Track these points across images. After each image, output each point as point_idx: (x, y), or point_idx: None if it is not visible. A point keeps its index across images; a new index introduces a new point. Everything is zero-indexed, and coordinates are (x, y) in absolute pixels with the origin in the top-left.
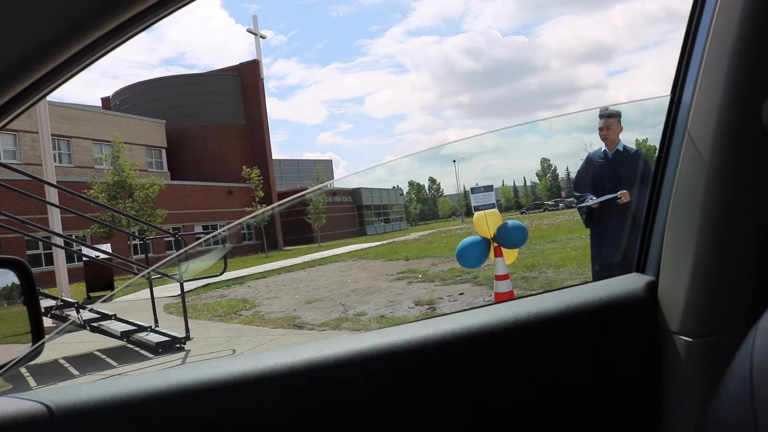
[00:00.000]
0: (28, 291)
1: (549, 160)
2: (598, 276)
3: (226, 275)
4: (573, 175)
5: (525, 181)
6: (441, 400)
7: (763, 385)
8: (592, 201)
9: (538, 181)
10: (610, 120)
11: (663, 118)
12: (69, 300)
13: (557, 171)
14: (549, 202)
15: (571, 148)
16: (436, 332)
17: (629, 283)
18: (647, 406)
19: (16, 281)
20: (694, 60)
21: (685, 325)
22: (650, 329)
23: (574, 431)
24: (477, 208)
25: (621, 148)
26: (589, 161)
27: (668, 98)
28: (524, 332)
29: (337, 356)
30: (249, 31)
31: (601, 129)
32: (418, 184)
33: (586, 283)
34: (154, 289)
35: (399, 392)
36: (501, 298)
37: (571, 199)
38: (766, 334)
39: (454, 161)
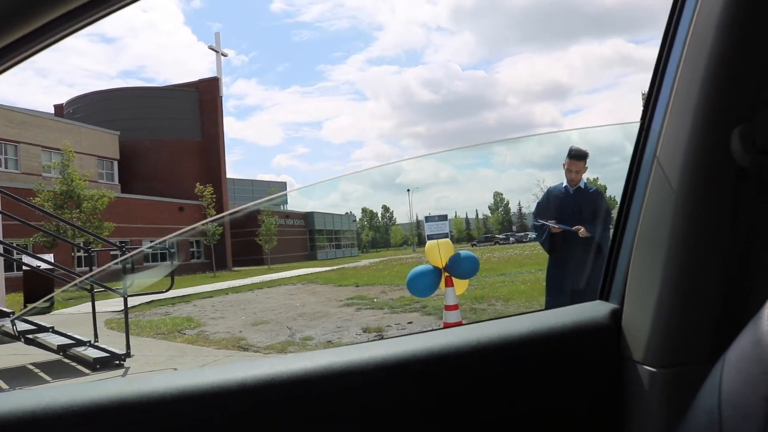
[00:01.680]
0: None
1: (502, 194)
2: (550, 306)
3: (172, 292)
4: (525, 210)
5: (477, 213)
6: (396, 424)
7: (732, 417)
8: (553, 223)
9: (490, 215)
10: (580, 163)
11: (612, 159)
12: (4, 309)
13: (509, 205)
14: (500, 236)
15: (524, 184)
16: (392, 353)
17: (593, 310)
18: None
19: None
20: (665, 87)
21: (650, 354)
22: (614, 357)
23: None
24: (430, 237)
25: (582, 186)
26: (550, 195)
27: (636, 125)
28: (485, 356)
29: (291, 373)
30: (211, 48)
31: (570, 170)
32: (371, 211)
33: (549, 309)
34: (96, 302)
35: (353, 413)
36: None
37: (522, 233)
38: (734, 366)
39: (408, 190)
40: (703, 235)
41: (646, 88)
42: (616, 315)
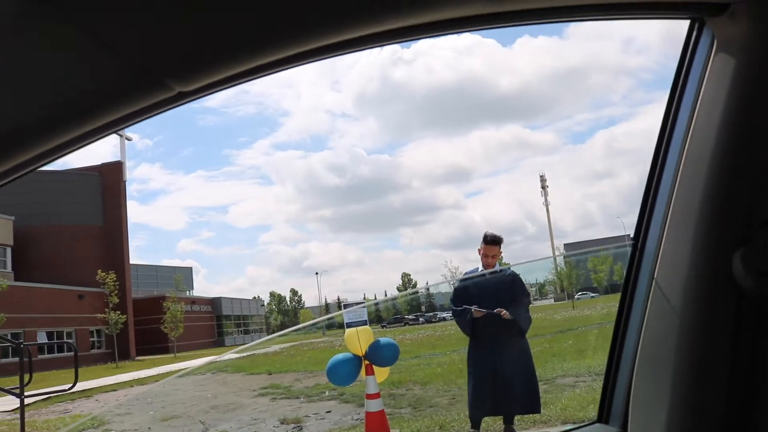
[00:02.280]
0: None
1: (409, 275)
2: (475, 391)
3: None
4: (432, 290)
5: (386, 294)
6: None
7: None
8: (475, 308)
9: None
10: (495, 248)
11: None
12: None
13: (417, 285)
14: (410, 317)
15: (431, 264)
16: None
17: None
18: None
19: None
20: (658, 208)
21: None
22: None
23: None
24: (349, 325)
25: (498, 269)
26: (466, 281)
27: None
28: None
29: None
30: (115, 132)
31: (486, 255)
32: (279, 295)
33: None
34: None
35: None
36: (372, 417)
37: (431, 314)
38: None
39: (317, 273)
40: (707, 357)
41: (542, 170)
42: None
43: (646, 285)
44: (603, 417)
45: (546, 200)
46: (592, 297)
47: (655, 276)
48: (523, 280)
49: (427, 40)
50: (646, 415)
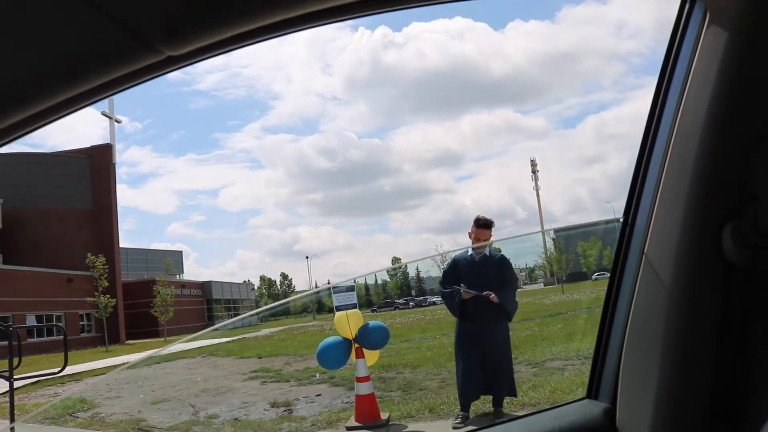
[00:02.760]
0: None
1: (399, 259)
2: (464, 374)
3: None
4: (423, 275)
5: (376, 278)
6: None
7: None
8: (462, 289)
9: (389, 280)
10: (487, 231)
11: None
12: None
13: (407, 270)
14: (400, 301)
15: (422, 248)
16: None
17: (585, 410)
18: None
19: None
20: (648, 184)
21: None
22: None
23: None
24: (338, 308)
25: (487, 253)
26: (456, 263)
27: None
28: None
29: None
30: (104, 114)
31: (478, 239)
32: (269, 279)
33: (541, 411)
34: None
35: None
36: (362, 401)
37: (421, 297)
38: None
39: (307, 257)
40: (696, 331)
41: (532, 155)
42: (609, 415)
43: (636, 261)
44: (592, 393)
45: (536, 185)
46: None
47: (645, 252)
48: (513, 264)
49: (418, 23)
50: (634, 390)
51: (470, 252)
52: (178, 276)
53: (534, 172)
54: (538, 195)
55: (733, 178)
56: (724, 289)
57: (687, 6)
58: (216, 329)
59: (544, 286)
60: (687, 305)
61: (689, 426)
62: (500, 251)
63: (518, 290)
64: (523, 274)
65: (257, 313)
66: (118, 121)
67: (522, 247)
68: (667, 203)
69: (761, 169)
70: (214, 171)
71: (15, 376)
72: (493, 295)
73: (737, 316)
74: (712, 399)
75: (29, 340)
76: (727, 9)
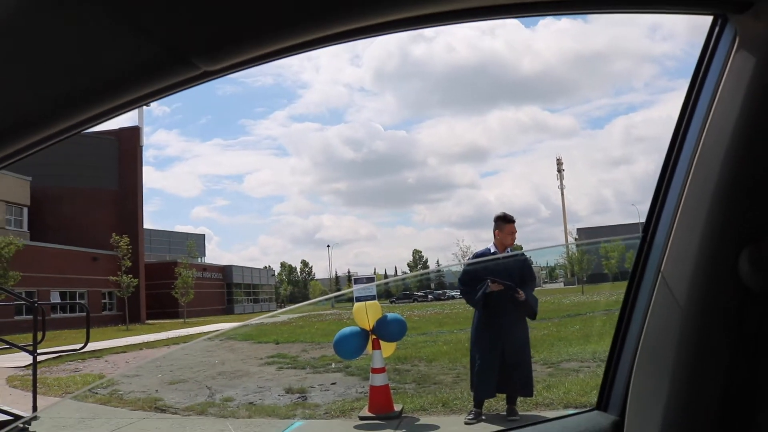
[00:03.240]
0: None
1: (420, 252)
2: (481, 370)
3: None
4: (443, 269)
5: (396, 270)
6: None
7: None
8: (491, 280)
9: (408, 272)
10: (513, 225)
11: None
12: None
13: (428, 263)
14: (419, 293)
15: (443, 242)
16: None
17: (594, 422)
18: None
19: None
20: (669, 203)
21: None
22: None
23: None
24: (358, 299)
25: (509, 251)
26: (476, 260)
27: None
28: None
29: None
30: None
31: (511, 233)
32: (290, 265)
33: (550, 420)
34: None
35: None
36: (376, 391)
37: (440, 291)
38: None
39: (329, 246)
40: (708, 351)
41: (559, 154)
42: (618, 427)
43: (653, 277)
44: (602, 404)
45: (561, 184)
46: None
47: (661, 269)
48: (534, 263)
49: None
50: (644, 405)
51: (493, 250)
52: (199, 259)
53: (559, 171)
54: (562, 194)
55: (755, 202)
56: (738, 312)
57: (717, 28)
58: (274, 315)
59: (564, 285)
60: (700, 325)
61: None
62: (522, 249)
63: (537, 289)
64: (544, 272)
65: (327, 299)
66: (148, 105)
67: (543, 249)
68: (686, 222)
69: None
70: (240, 157)
71: (38, 351)
72: (521, 292)
73: (750, 340)
74: (721, 420)
75: (53, 316)
76: (758, 33)
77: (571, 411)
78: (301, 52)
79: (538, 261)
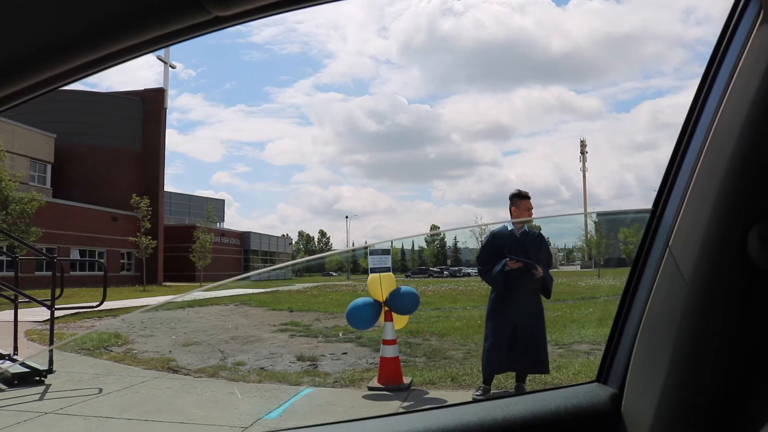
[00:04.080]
0: None
1: (439, 227)
2: (493, 347)
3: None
4: (460, 245)
5: (413, 244)
6: None
7: None
8: (510, 258)
9: (425, 247)
10: (529, 201)
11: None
12: None
13: (445, 239)
14: (434, 269)
15: (461, 218)
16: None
17: (593, 394)
18: None
19: None
20: (681, 178)
21: None
22: None
23: None
24: (373, 270)
25: (526, 229)
26: (496, 238)
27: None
28: None
29: None
30: (159, 58)
31: (528, 209)
32: (308, 235)
33: (549, 389)
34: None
35: None
36: (386, 363)
37: (456, 268)
38: None
39: (347, 217)
40: (712, 330)
41: (583, 135)
42: (616, 400)
43: (660, 253)
44: (602, 377)
45: (584, 166)
46: None
47: (669, 244)
48: (552, 245)
49: None
50: (643, 379)
51: (510, 228)
52: (218, 224)
53: (582, 153)
54: (584, 176)
55: (766, 180)
56: (743, 289)
57: (741, 3)
58: (244, 278)
59: (581, 268)
60: (705, 301)
61: (693, 419)
62: (540, 229)
63: (553, 270)
64: (561, 254)
65: (291, 265)
66: (173, 67)
67: (562, 227)
68: (696, 199)
69: None
70: (263, 124)
71: (56, 306)
72: (539, 269)
73: (754, 317)
74: (719, 396)
75: (72, 273)
76: None
77: (568, 384)
78: (316, 4)
79: (556, 243)
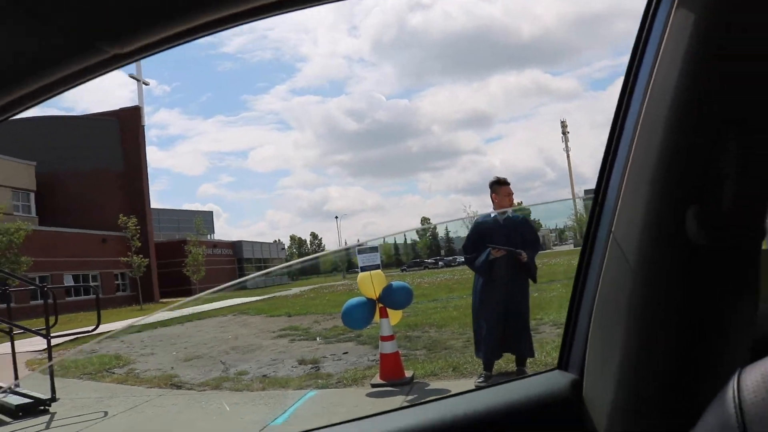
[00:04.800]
0: None
1: (429, 219)
2: (489, 333)
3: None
4: (452, 234)
5: (405, 238)
6: None
7: None
8: (493, 248)
9: (418, 239)
10: (509, 187)
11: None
12: None
13: (437, 230)
14: (429, 261)
15: (450, 209)
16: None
17: (553, 381)
18: None
19: None
20: (618, 161)
21: (612, 427)
22: (576, 428)
23: None
24: (363, 269)
25: (510, 215)
26: (479, 226)
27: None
28: None
29: None
30: (132, 76)
31: (508, 195)
32: (299, 238)
33: (512, 381)
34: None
35: None
36: (386, 359)
37: (451, 258)
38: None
39: (337, 217)
40: (660, 308)
41: (563, 116)
42: (576, 386)
43: (605, 238)
44: (562, 364)
45: (566, 146)
46: None
47: (612, 229)
48: (543, 226)
49: None
50: (600, 364)
51: (493, 214)
52: (209, 236)
53: (564, 133)
54: (568, 156)
55: (699, 160)
56: (686, 268)
57: None
58: (233, 285)
59: (574, 247)
60: (650, 283)
61: (648, 400)
62: (528, 213)
63: (548, 251)
64: (553, 235)
65: (283, 268)
66: (146, 83)
67: (552, 208)
68: (634, 183)
69: (727, 151)
70: (243, 132)
71: (52, 334)
72: (523, 254)
73: (699, 295)
74: (672, 374)
75: (67, 299)
76: None
77: (531, 373)
78: (219, 30)
79: (547, 224)
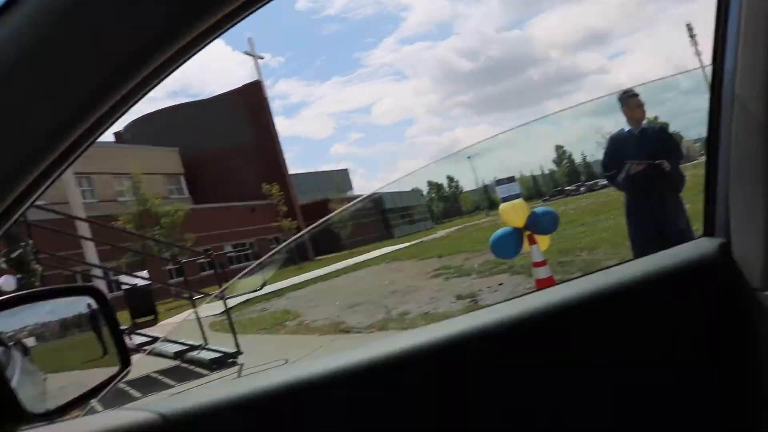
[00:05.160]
0: (107, 316)
1: (563, 147)
2: (640, 245)
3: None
4: (590, 159)
5: (542, 170)
6: (499, 392)
7: None
8: (633, 164)
9: (556, 168)
10: (638, 98)
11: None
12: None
13: (573, 156)
14: (570, 187)
15: (582, 132)
16: (506, 315)
17: (701, 247)
18: (736, 372)
19: (86, 310)
20: (731, 26)
21: (767, 283)
22: (730, 290)
23: (658, 409)
24: (504, 199)
25: (645, 125)
26: (615, 142)
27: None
28: (601, 307)
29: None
30: (247, 53)
31: (639, 107)
32: (436, 183)
33: (654, 253)
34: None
35: (449, 388)
36: (541, 284)
37: (592, 182)
38: None
39: (468, 158)
40: None
41: (688, 20)
42: (726, 249)
43: (730, 103)
44: (708, 230)
45: (697, 50)
46: None
47: (735, 93)
48: (685, 137)
49: None
50: (747, 222)
51: (628, 128)
52: (349, 192)
53: (692, 36)
54: (700, 60)
55: None
56: None
57: None
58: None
59: None
60: None
61: None
62: (667, 126)
63: (694, 162)
64: (698, 144)
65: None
66: (261, 58)
67: (694, 118)
68: (751, 42)
69: None
70: (361, 89)
71: (226, 296)
72: (665, 162)
73: None
74: None
75: (231, 267)
76: None
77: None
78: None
79: (690, 134)
